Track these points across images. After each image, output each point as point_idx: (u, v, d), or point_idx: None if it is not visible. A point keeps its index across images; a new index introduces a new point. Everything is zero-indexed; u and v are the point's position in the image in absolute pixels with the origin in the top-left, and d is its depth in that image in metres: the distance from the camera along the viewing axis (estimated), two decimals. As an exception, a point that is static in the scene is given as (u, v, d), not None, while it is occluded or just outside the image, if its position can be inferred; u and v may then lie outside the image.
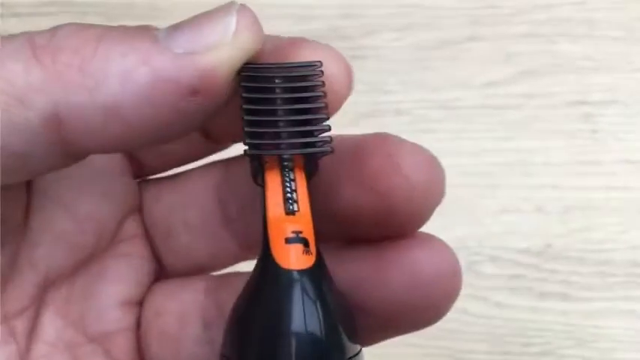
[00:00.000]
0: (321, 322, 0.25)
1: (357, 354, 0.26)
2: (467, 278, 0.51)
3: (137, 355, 0.29)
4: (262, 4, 0.55)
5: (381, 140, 0.27)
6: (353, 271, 0.26)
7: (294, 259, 0.25)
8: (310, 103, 0.26)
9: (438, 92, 0.52)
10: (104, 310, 0.28)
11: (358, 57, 0.53)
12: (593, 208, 0.51)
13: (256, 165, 0.26)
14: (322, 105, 0.26)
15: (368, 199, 0.26)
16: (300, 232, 0.25)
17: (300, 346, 0.24)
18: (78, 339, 0.28)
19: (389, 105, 0.52)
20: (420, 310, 0.27)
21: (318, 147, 0.26)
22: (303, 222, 0.26)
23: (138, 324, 0.29)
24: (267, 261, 0.25)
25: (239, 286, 0.26)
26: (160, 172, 0.30)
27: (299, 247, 0.25)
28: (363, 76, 0.52)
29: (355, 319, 0.26)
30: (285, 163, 0.26)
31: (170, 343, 0.29)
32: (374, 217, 0.26)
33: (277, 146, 0.25)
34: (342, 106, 0.27)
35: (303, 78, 0.26)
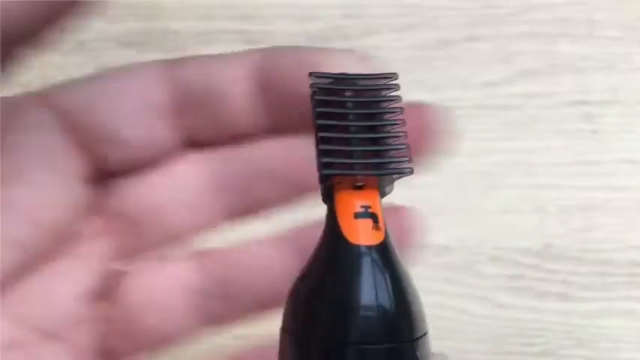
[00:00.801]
0: (392, 299, 0.24)
1: (425, 334, 0.25)
2: (467, 278, 0.52)
3: (100, 347, 0.29)
4: (262, 4, 0.55)
5: None
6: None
7: (363, 234, 0.24)
8: (386, 119, 0.25)
9: (438, 92, 0.52)
10: (59, 305, 0.28)
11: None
12: (593, 208, 0.51)
13: (328, 185, 0.25)
14: (399, 122, 0.25)
15: None
16: (369, 207, 0.25)
17: (370, 320, 0.24)
18: (32, 338, 0.28)
19: (389, 105, 0.52)
20: None
21: (394, 169, 0.25)
22: (371, 197, 0.25)
23: (99, 315, 0.29)
24: (335, 237, 0.24)
25: (224, 256, 0.26)
26: (126, 173, 0.30)
27: (368, 222, 0.25)
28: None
29: (420, 300, 0.25)
30: (359, 184, 0.25)
31: (161, 313, 0.29)
32: None
33: (351, 166, 0.25)
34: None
35: (379, 92, 0.26)
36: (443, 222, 0.51)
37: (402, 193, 0.54)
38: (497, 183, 0.52)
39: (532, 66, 0.52)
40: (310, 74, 0.25)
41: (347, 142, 0.25)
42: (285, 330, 0.26)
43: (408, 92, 0.57)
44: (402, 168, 0.25)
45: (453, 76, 0.52)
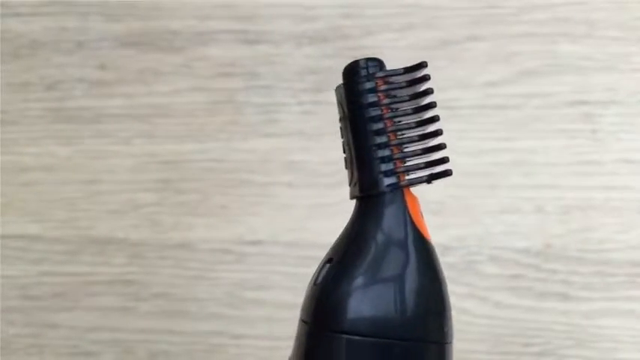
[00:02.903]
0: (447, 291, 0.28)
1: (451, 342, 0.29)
2: (467, 278, 0.52)
3: None
4: (262, 4, 0.55)
5: None
6: None
7: (428, 232, 0.28)
8: (428, 115, 0.27)
9: (438, 92, 0.52)
10: None
11: (358, 57, 0.53)
12: (593, 208, 0.51)
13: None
14: (436, 117, 0.27)
15: None
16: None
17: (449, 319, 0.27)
18: None
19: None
20: None
21: (443, 171, 0.27)
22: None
23: None
24: (413, 233, 0.27)
25: None
26: None
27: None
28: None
29: None
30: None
31: None
32: None
33: (447, 173, 0.27)
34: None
35: (425, 92, 0.27)
36: (443, 222, 0.51)
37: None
38: (497, 183, 0.52)
39: (532, 66, 0.52)
40: (348, 80, 0.26)
41: (403, 145, 0.27)
42: (348, 332, 0.27)
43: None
44: (448, 170, 0.27)
45: (453, 76, 0.52)
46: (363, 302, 0.27)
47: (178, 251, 0.54)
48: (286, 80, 0.53)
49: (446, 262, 0.51)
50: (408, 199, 0.27)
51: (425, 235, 0.27)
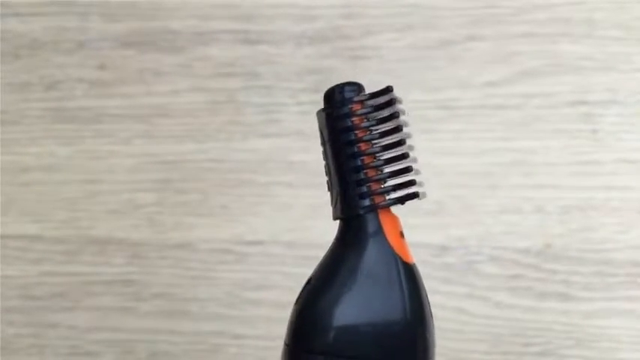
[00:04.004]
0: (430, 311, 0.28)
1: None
2: (467, 278, 0.52)
3: None
4: (262, 4, 0.55)
5: None
6: None
7: (409, 253, 0.28)
8: (400, 136, 0.27)
9: (438, 92, 0.52)
10: None
11: (358, 57, 0.53)
12: (593, 208, 0.51)
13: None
14: (407, 135, 0.28)
15: None
16: (400, 227, 0.28)
17: (430, 334, 0.28)
18: None
19: (389, 105, 0.52)
20: None
21: (413, 193, 0.28)
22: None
23: None
24: (387, 255, 0.27)
25: None
26: None
27: (405, 241, 0.28)
28: (363, 75, 0.52)
29: None
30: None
31: None
32: None
33: (387, 193, 0.28)
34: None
35: (393, 116, 0.27)
36: (443, 222, 0.51)
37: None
38: (497, 183, 0.52)
39: (532, 66, 0.52)
40: (326, 106, 0.26)
41: (378, 168, 0.27)
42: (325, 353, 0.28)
43: (408, 92, 0.57)
44: (416, 192, 0.28)
45: (453, 76, 0.52)
46: (339, 323, 0.27)
47: (178, 251, 0.54)
48: (286, 80, 0.53)
49: (446, 262, 0.52)
50: (385, 220, 0.28)
51: (401, 256, 0.27)
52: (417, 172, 0.28)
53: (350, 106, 0.27)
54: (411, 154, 0.28)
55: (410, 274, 0.27)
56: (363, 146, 0.27)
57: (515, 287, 0.51)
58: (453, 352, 0.50)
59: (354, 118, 0.27)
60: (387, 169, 0.28)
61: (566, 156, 0.51)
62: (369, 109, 0.27)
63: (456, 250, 0.51)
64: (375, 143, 0.27)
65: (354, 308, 0.27)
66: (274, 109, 0.53)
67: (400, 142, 0.27)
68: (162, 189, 0.54)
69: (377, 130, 0.27)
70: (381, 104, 0.27)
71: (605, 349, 0.50)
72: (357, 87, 0.28)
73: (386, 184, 0.28)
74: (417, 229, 0.51)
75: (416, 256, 0.51)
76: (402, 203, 0.28)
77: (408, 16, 0.53)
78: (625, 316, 0.50)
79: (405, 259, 0.27)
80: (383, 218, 0.28)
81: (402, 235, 0.28)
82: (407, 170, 0.28)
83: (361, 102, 0.27)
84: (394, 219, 0.28)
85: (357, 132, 0.27)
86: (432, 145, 0.51)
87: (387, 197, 0.28)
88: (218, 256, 0.53)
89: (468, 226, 0.51)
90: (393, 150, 0.27)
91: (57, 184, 0.55)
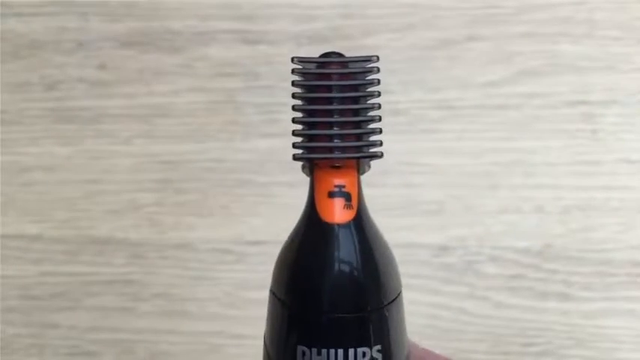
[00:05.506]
0: (360, 272, 0.27)
1: (397, 297, 0.28)
2: (467, 278, 0.52)
3: None
4: (262, 4, 0.55)
5: None
6: None
7: (334, 213, 0.27)
8: (365, 103, 0.27)
9: (438, 92, 0.52)
10: None
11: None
12: (593, 208, 0.51)
13: (309, 164, 0.27)
14: (377, 105, 0.27)
15: None
16: (344, 187, 0.27)
17: (340, 292, 0.26)
18: None
19: (389, 105, 0.52)
20: None
21: (369, 151, 0.26)
22: (347, 176, 0.27)
23: None
24: (310, 213, 0.27)
25: None
26: None
27: (341, 200, 0.27)
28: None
29: (396, 267, 0.28)
30: (337, 165, 0.27)
31: None
32: None
33: (330, 150, 0.26)
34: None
35: (361, 75, 0.27)
36: (443, 222, 0.51)
37: (402, 192, 0.54)
38: (497, 183, 0.52)
39: (532, 66, 0.52)
40: (293, 59, 0.26)
41: (329, 125, 0.26)
42: (272, 291, 0.28)
43: (408, 92, 0.57)
44: (377, 152, 0.26)
45: (453, 76, 0.52)
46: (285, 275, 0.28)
47: (178, 251, 0.54)
48: (286, 80, 0.53)
49: (446, 262, 0.52)
50: (319, 175, 0.27)
51: (320, 215, 0.27)
52: (374, 133, 0.27)
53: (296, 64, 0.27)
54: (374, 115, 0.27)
55: (325, 233, 0.27)
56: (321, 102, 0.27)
57: (516, 287, 0.51)
58: (453, 352, 0.50)
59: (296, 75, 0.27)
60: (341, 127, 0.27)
61: (566, 156, 0.52)
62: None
63: (455, 250, 0.51)
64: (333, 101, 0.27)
65: (285, 263, 0.28)
66: (274, 109, 0.53)
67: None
68: (162, 189, 0.54)
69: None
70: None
71: (605, 349, 0.50)
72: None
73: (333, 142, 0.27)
74: (416, 229, 0.51)
75: (416, 256, 0.51)
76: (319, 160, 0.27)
77: (408, 16, 0.53)
78: (625, 316, 0.50)
79: (325, 218, 0.27)
80: (317, 175, 0.27)
81: (333, 194, 0.27)
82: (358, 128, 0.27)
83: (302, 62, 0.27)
84: (328, 176, 0.27)
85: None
86: (431, 145, 0.51)
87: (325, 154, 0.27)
88: (218, 256, 0.53)
89: (467, 226, 0.51)
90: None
91: (57, 184, 0.55)
